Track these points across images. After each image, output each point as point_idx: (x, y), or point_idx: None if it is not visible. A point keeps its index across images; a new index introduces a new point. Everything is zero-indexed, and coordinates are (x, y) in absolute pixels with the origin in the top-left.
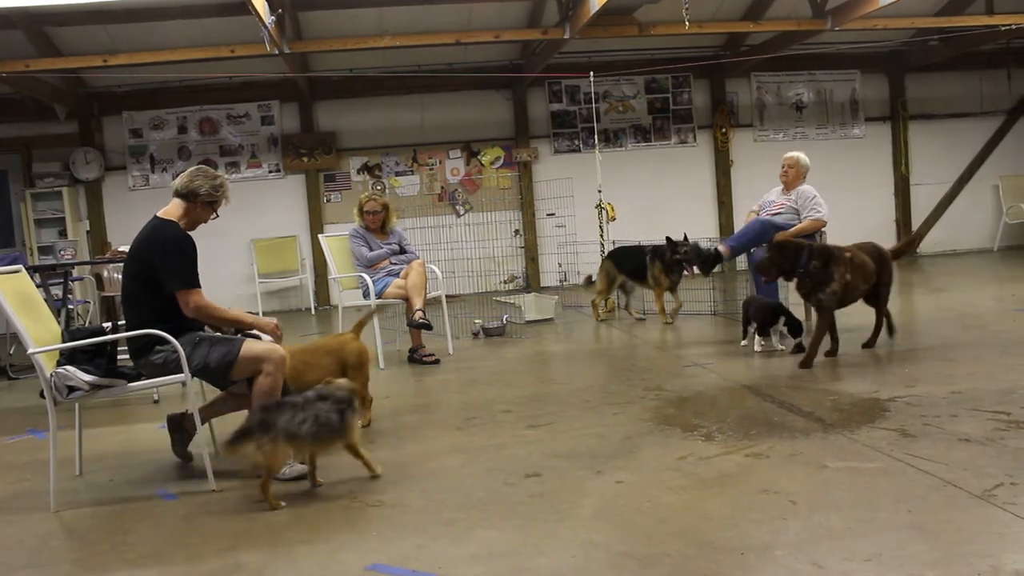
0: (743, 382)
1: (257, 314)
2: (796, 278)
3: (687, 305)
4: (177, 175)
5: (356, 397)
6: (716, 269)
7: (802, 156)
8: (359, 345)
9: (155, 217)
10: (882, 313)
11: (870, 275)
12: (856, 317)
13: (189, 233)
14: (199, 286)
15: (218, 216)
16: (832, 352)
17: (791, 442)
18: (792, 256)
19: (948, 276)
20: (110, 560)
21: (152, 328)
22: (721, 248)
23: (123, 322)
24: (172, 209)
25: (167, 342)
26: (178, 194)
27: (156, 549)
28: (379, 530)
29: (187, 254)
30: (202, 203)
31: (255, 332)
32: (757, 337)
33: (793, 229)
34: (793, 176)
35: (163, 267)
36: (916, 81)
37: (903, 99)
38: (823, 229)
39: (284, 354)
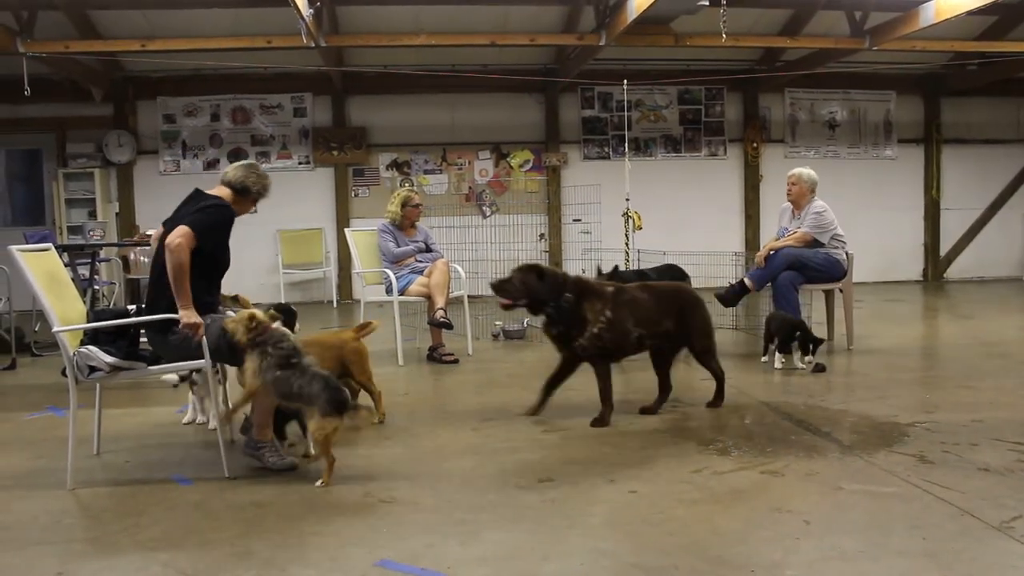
0: (761, 398)
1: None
2: (546, 314)
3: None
4: (208, 162)
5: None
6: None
7: (805, 172)
8: (358, 344)
9: (199, 190)
10: (667, 374)
11: (653, 318)
12: (885, 339)
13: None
14: (198, 237)
15: (256, 211)
16: (651, 410)
17: (807, 462)
18: (549, 284)
19: (974, 303)
20: (122, 541)
21: (172, 307)
22: (747, 282)
23: (146, 304)
24: (220, 192)
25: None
26: (230, 185)
27: (168, 533)
28: (390, 526)
29: (220, 219)
30: (250, 199)
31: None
32: (778, 354)
33: (781, 241)
34: (797, 193)
35: (194, 215)
36: (952, 105)
37: (938, 122)
38: (848, 251)
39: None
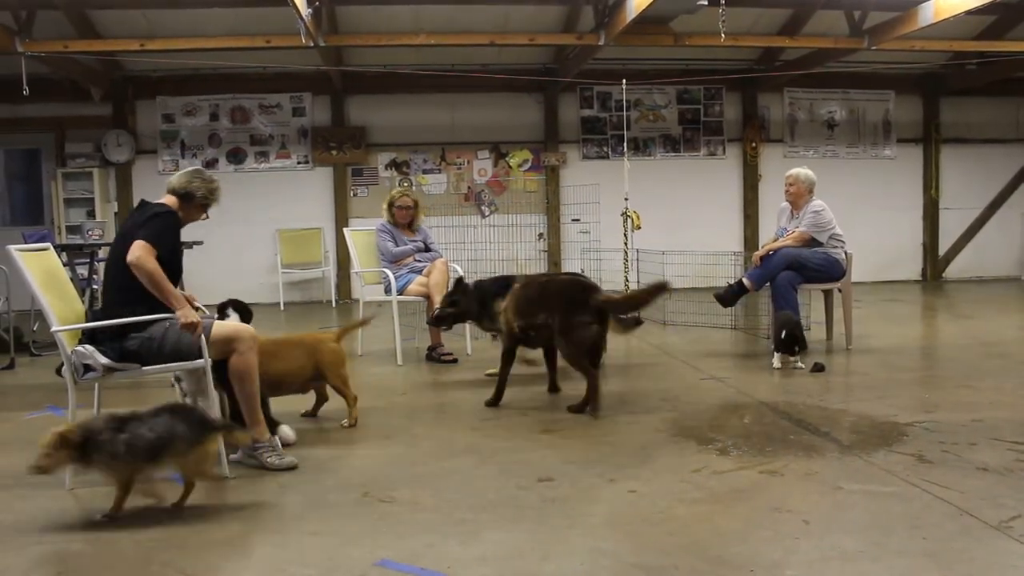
0: (761, 398)
1: (278, 304)
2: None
3: (709, 318)
4: (207, 162)
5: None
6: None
7: (802, 172)
8: (336, 346)
9: (144, 201)
10: (553, 364)
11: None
12: (884, 339)
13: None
14: (154, 247)
15: (208, 217)
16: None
17: (807, 461)
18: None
19: (973, 303)
20: (122, 541)
21: (126, 310)
22: (746, 282)
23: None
24: (166, 200)
25: (142, 328)
26: (174, 192)
27: (167, 532)
28: (389, 526)
29: (164, 225)
30: (196, 205)
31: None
32: (776, 353)
33: (779, 242)
34: (795, 193)
35: (142, 228)
36: (951, 105)
37: (937, 122)
38: (847, 250)
39: (254, 333)
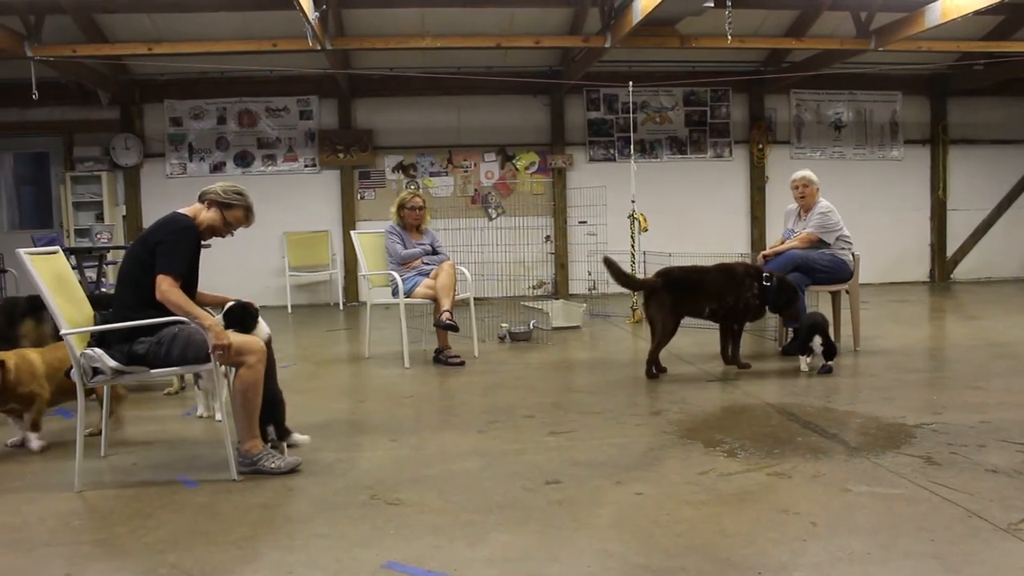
0: (768, 399)
1: (285, 307)
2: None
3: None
4: (214, 165)
5: None
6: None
7: (808, 174)
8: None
9: (174, 211)
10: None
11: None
12: (892, 340)
13: (199, 231)
14: (175, 275)
15: (232, 235)
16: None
17: (814, 463)
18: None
19: (982, 304)
20: (129, 543)
21: (137, 313)
22: None
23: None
24: (190, 209)
25: (151, 332)
26: (199, 198)
27: (175, 534)
28: (396, 528)
29: (180, 243)
30: (211, 203)
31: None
32: (804, 357)
33: (786, 244)
34: (810, 195)
35: (158, 250)
36: (958, 105)
37: (944, 123)
38: (855, 252)
39: (264, 347)
